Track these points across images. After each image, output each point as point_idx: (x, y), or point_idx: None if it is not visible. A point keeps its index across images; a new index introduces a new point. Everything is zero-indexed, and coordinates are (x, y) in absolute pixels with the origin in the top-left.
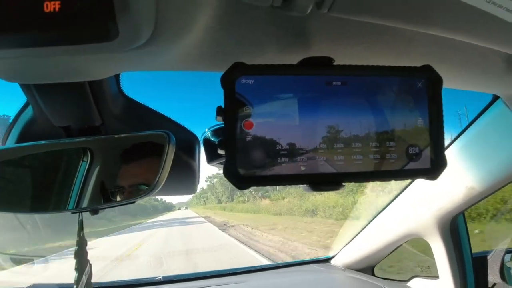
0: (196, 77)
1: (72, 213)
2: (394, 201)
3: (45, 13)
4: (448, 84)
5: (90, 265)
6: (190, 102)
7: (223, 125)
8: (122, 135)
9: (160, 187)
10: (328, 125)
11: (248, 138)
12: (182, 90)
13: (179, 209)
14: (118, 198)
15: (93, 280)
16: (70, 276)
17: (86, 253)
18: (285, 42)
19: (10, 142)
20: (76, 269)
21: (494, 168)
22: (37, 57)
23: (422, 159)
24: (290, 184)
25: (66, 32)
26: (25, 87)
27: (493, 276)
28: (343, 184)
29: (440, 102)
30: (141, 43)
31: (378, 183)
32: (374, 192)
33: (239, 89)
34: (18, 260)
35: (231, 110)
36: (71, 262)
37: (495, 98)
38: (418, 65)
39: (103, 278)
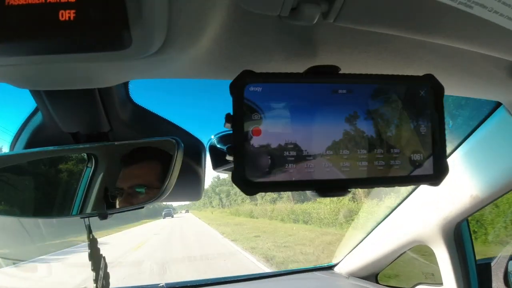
0: (202, 85)
1: (80, 217)
2: (398, 208)
3: (61, 21)
4: (451, 91)
5: (104, 257)
6: (194, 108)
7: (232, 132)
8: (131, 141)
9: (167, 194)
10: (334, 132)
11: (256, 145)
12: (187, 97)
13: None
14: (124, 203)
15: None
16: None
17: (98, 249)
18: (292, 51)
19: (18, 148)
20: (93, 269)
21: (497, 175)
22: (50, 64)
23: (425, 166)
24: (297, 190)
25: (81, 40)
26: (36, 94)
27: (497, 282)
28: (349, 190)
29: (442, 110)
30: (153, 51)
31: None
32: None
33: (248, 96)
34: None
35: (240, 117)
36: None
37: (498, 105)
38: (422, 73)
39: None
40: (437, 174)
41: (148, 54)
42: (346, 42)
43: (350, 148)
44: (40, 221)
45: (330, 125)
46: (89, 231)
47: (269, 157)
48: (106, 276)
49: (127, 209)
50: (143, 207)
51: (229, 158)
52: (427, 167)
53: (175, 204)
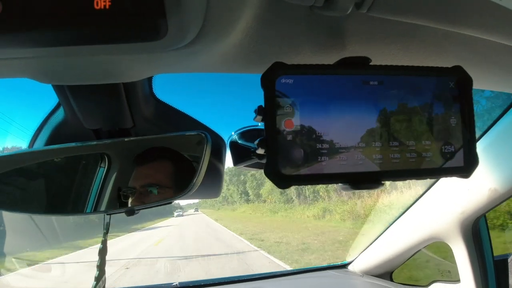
0: (220, 82)
1: (107, 214)
2: (414, 204)
3: (95, 9)
4: (478, 84)
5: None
6: (211, 106)
7: (264, 124)
8: (157, 135)
9: (196, 189)
10: (366, 123)
11: (289, 137)
12: (206, 95)
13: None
14: (136, 202)
15: None
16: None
17: (107, 250)
18: (321, 42)
19: (39, 145)
20: (98, 266)
21: None
22: (76, 57)
23: (455, 158)
24: (330, 183)
25: (115, 30)
26: (58, 89)
27: None
28: (382, 182)
29: (471, 102)
30: (187, 42)
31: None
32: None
33: (279, 88)
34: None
35: (272, 109)
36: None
37: None
38: (450, 65)
39: None
40: (467, 166)
41: (181, 46)
42: (376, 33)
43: (382, 140)
44: (56, 225)
45: (362, 117)
46: (107, 228)
47: (302, 149)
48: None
49: (155, 204)
50: (171, 203)
51: (260, 151)
52: (458, 159)
53: (183, 203)
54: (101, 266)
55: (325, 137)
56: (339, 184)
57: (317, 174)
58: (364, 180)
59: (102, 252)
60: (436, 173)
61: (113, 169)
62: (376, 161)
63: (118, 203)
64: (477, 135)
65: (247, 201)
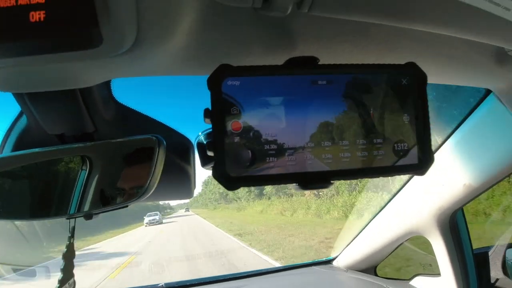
0: (184, 82)
1: (66, 219)
2: (392, 199)
3: (31, 23)
4: (438, 79)
5: (74, 281)
6: (181, 107)
7: (211, 127)
8: (112, 140)
9: (151, 191)
10: (315, 123)
11: (236, 139)
12: (173, 95)
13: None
14: (113, 202)
15: None
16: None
17: (74, 254)
18: (270, 43)
19: (6, 151)
20: (62, 269)
21: (489, 163)
22: (28, 66)
23: (409, 155)
24: (279, 183)
25: (52, 41)
26: (18, 96)
27: (496, 271)
28: (332, 182)
29: (425, 99)
30: (126, 48)
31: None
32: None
33: (226, 91)
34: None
35: (218, 112)
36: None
37: (487, 92)
38: (405, 61)
39: None
40: (422, 164)
41: (121, 52)
42: (324, 32)
43: (331, 140)
44: (38, 228)
45: (311, 116)
46: (73, 233)
47: (250, 151)
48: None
49: (111, 208)
50: (127, 206)
51: (209, 153)
52: (412, 157)
53: (173, 203)
54: (65, 269)
55: (273, 138)
56: (292, 184)
57: (266, 175)
58: (313, 180)
59: (67, 255)
60: (389, 171)
61: (93, 170)
62: (326, 160)
63: (101, 204)
64: (449, 131)
65: (260, 196)
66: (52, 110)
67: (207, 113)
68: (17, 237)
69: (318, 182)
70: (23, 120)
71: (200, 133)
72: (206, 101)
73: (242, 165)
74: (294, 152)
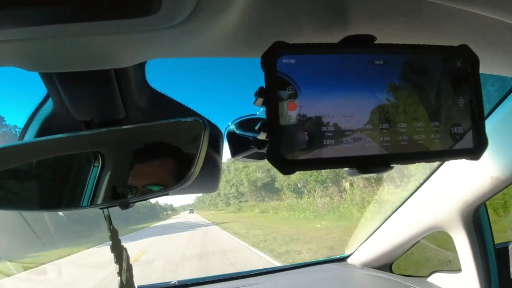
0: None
1: (100, 208)
2: (414, 194)
3: None
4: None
5: (125, 249)
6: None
7: (266, 107)
8: (152, 123)
9: (193, 179)
10: (372, 105)
11: (292, 120)
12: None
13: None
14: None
15: None
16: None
17: (119, 241)
18: (324, 21)
19: (29, 137)
20: (116, 261)
21: None
22: (61, 40)
23: (465, 139)
24: (336, 167)
25: (104, 4)
26: (46, 78)
27: None
28: (392, 166)
29: (478, 82)
30: (182, 19)
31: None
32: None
33: (281, 69)
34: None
35: (274, 91)
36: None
37: None
38: (456, 43)
39: None
40: (477, 148)
41: (175, 23)
42: (379, 11)
43: (389, 122)
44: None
45: (368, 97)
46: (110, 222)
47: (306, 133)
48: (130, 268)
49: (151, 196)
50: (168, 194)
51: (261, 136)
52: (467, 141)
53: (176, 205)
54: (118, 260)
55: (330, 119)
56: (346, 169)
57: (323, 158)
58: (372, 164)
59: (113, 247)
60: (445, 155)
61: (107, 164)
62: (384, 143)
63: (124, 194)
64: None
65: (300, 193)
66: (83, 93)
67: (261, 93)
68: (28, 234)
69: (376, 166)
70: (49, 104)
71: (230, 123)
72: (230, 91)
73: (299, 148)
74: (352, 134)
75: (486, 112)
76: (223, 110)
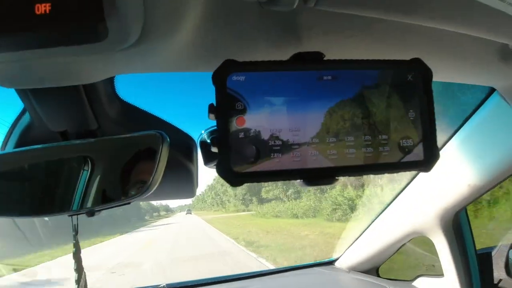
0: (190, 80)
1: (68, 216)
2: (395, 200)
3: (37, 15)
4: (441, 76)
5: (85, 273)
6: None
7: (216, 122)
8: (115, 136)
9: (154, 188)
10: (319, 119)
11: (241, 135)
12: (175, 92)
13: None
14: (115, 199)
15: None
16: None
17: (80, 250)
18: (276, 38)
19: (9, 148)
20: (76, 269)
21: (493, 162)
22: (31, 61)
23: (415, 152)
24: (284, 179)
25: (57, 34)
26: (22, 92)
27: (499, 272)
28: (337, 178)
29: (430, 95)
30: (131, 42)
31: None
32: None
33: (231, 86)
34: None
35: (223, 107)
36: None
37: (491, 90)
38: (411, 57)
39: None
40: (427, 160)
41: (126, 46)
42: (331, 27)
43: (336, 135)
44: (40, 229)
45: (316, 112)
46: (76, 230)
47: (254, 146)
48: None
49: (114, 204)
50: (129, 203)
51: (214, 149)
52: (418, 153)
53: (173, 205)
54: (78, 269)
55: (277, 133)
56: (297, 180)
57: (270, 171)
58: (318, 176)
59: (76, 254)
60: (394, 167)
61: (89, 166)
62: (331, 156)
63: (97, 200)
64: (453, 130)
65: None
66: (55, 106)
67: (211, 109)
68: (18, 237)
69: (323, 178)
70: (26, 117)
71: (203, 131)
72: (209, 99)
73: (247, 161)
74: (299, 148)
75: (461, 120)
76: (201, 117)
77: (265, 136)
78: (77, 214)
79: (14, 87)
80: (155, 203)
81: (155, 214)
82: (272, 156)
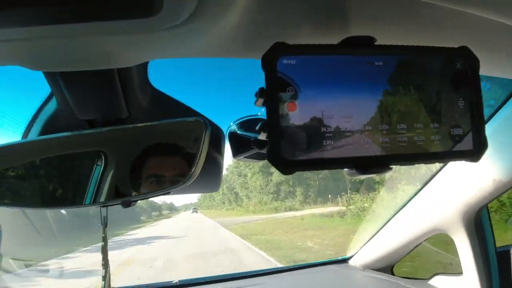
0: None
1: (101, 206)
2: (415, 196)
3: None
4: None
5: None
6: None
7: (266, 108)
8: (154, 122)
9: (194, 179)
10: (372, 106)
11: (292, 121)
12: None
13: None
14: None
15: None
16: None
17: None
18: (324, 22)
19: (32, 136)
20: (103, 265)
21: None
22: (64, 40)
23: (464, 141)
24: (335, 168)
25: (107, 5)
26: (50, 76)
27: None
28: (391, 166)
29: (478, 84)
30: (182, 19)
31: None
32: None
33: (281, 70)
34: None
35: (274, 92)
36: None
37: None
38: (456, 45)
39: None
40: (476, 149)
41: (176, 24)
42: (379, 13)
43: (389, 123)
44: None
45: (367, 99)
46: (106, 223)
47: (306, 133)
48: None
49: (153, 194)
50: (169, 192)
51: (261, 136)
52: (467, 142)
53: (178, 203)
54: (106, 264)
55: (329, 120)
56: (345, 169)
57: (322, 159)
58: (371, 165)
59: (104, 248)
60: (445, 156)
61: (110, 163)
62: (383, 144)
63: (127, 191)
64: None
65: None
66: (86, 92)
67: (261, 93)
68: (30, 232)
69: (376, 167)
70: (52, 104)
71: (232, 123)
72: (231, 92)
73: (298, 148)
74: (352, 135)
75: (488, 114)
76: (226, 111)
77: (316, 122)
78: (112, 205)
79: (42, 70)
80: (157, 201)
81: (154, 213)
82: (324, 143)
